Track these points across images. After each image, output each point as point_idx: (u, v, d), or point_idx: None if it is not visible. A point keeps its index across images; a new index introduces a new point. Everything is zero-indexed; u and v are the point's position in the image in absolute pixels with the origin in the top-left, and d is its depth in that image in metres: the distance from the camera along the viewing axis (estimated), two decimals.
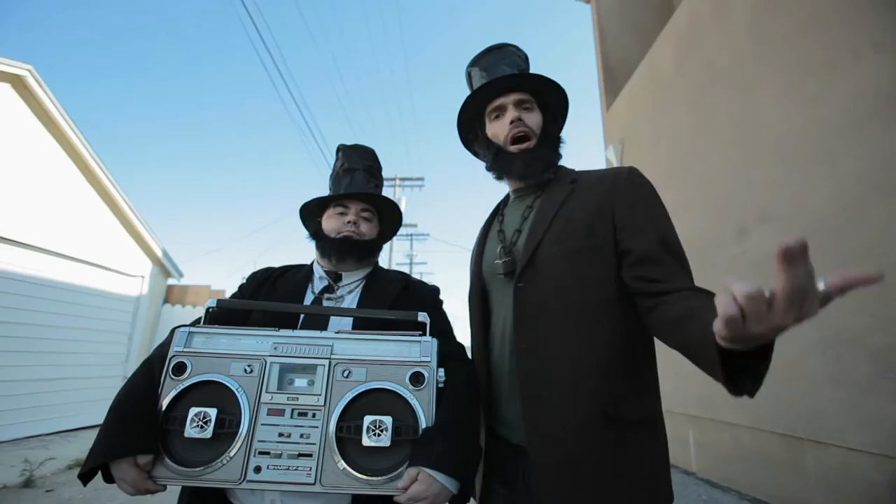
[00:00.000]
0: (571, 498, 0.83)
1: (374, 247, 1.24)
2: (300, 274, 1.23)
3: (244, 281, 1.25)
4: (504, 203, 1.22)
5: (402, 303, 1.15)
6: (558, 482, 0.84)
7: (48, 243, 5.50)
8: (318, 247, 1.23)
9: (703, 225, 4.06)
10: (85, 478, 0.81)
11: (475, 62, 1.18)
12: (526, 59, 1.17)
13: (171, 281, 8.54)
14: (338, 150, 1.34)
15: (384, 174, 1.38)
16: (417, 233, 22.52)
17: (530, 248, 0.98)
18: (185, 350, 0.91)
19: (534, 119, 1.09)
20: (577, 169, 1.13)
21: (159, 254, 7.69)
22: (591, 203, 0.98)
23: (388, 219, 1.33)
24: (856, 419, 2.55)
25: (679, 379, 3.22)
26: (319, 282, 1.20)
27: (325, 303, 1.14)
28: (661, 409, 0.94)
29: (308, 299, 1.15)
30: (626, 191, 0.96)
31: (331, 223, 1.21)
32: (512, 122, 1.06)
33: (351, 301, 1.16)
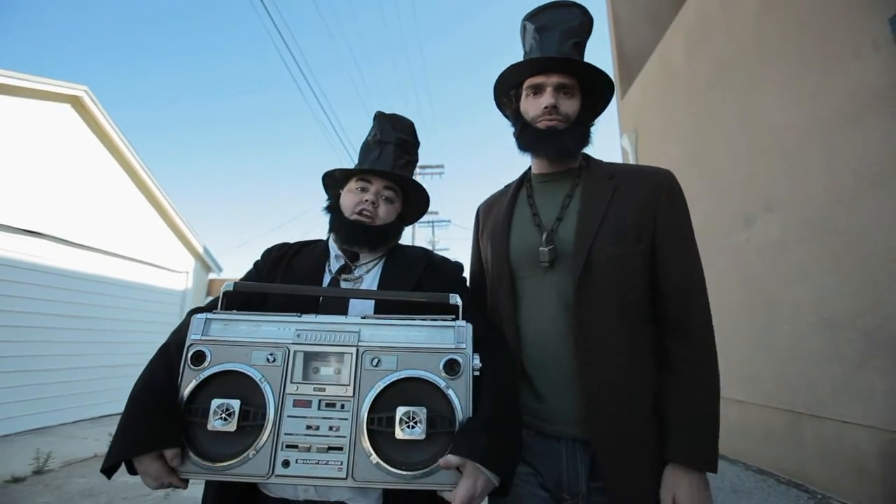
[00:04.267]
0: (633, 488, 0.90)
1: (389, 232, 1.14)
2: (317, 251, 1.16)
3: (259, 259, 1.18)
4: (526, 183, 1.18)
5: (425, 282, 1.08)
6: (620, 472, 0.90)
7: (104, 244, 6.12)
8: (330, 222, 1.16)
9: (711, 213, 4.22)
10: (109, 472, 0.79)
11: (532, 16, 1.12)
12: (589, 26, 1.11)
13: (211, 275, 9.18)
14: (374, 117, 1.25)
15: None
16: (439, 219, 22.83)
17: (585, 245, 0.97)
18: (204, 338, 0.87)
19: (571, 106, 1.05)
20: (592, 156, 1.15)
21: (201, 250, 8.30)
22: (637, 205, 1.00)
23: (413, 200, 1.24)
24: (848, 394, 2.75)
25: None
26: (336, 261, 1.13)
27: (343, 283, 1.08)
28: None
29: (326, 280, 1.09)
30: (668, 200, 1.01)
31: (349, 199, 1.12)
32: (546, 108, 1.03)
33: (370, 281, 1.09)
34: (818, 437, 2.99)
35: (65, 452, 4.14)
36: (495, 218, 1.18)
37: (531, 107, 1.07)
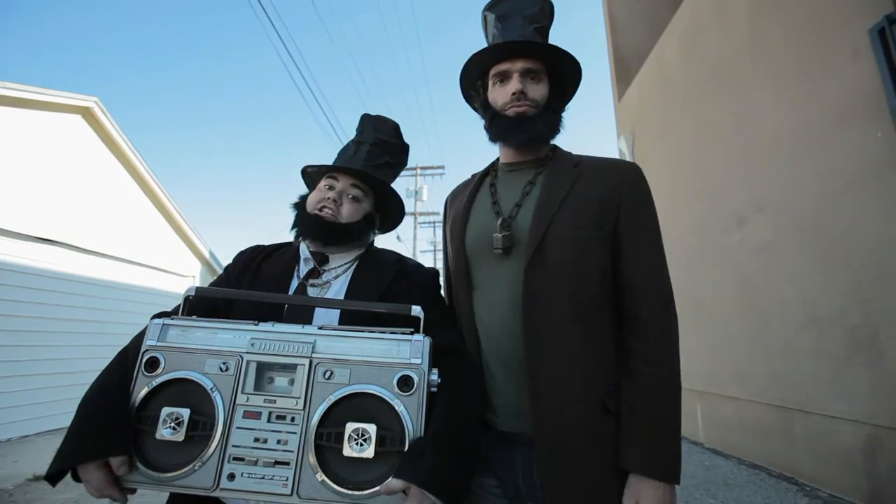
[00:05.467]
0: (575, 488, 0.84)
1: (352, 231, 1.09)
2: (288, 254, 1.12)
3: (231, 262, 1.14)
4: (491, 172, 1.14)
5: (396, 290, 1.04)
6: (562, 473, 0.85)
7: (115, 250, 6.30)
8: (294, 217, 1.12)
9: (706, 214, 4.33)
10: (53, 479, 0.76)
11: (492, 6, 1.10)
12: (549, 11, 1.08)
13: None
14: (360, 119, 1.24)
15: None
16: (440, 220, 22.87)
17: (540, 229, 0.93)
18: (159, 344, 0.84)
19: (539, 91, 1.01)
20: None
21: (206, 255, 8.47)
22: (599, 192, 0.96)
23: (388, 204, 1.20)
24: (835, 390, 2.86)
25: (687, 356, 3.55)
26: (305, 265, 1.09)
27: (310, 289, 1.04)
28: None
29: (293, 285, 1.05)
30: (632, 189, 0.97)
31: (314, 196, 1.10)
32: (513, 94, 0.99)
33: (338, 287, 1.05)
34: (807, 431, 3.09)
35: None
36: (456, 207, 1.14)
37: (499, 95, 1.03)
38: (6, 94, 4.75)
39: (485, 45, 1.10)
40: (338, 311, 0.99)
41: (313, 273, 1.07)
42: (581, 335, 0.90)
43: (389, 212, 1.23)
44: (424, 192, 17.23)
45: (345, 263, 1.10)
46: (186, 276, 8.12)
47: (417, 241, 18.01)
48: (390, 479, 0.75)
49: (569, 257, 0.92)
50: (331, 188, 1.09)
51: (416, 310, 0.91)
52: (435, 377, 0.83)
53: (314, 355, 0.83)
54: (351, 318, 0.96)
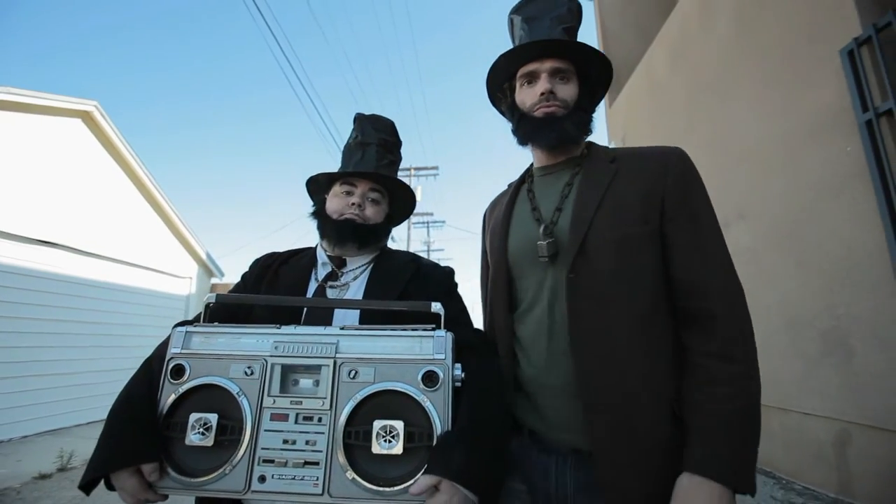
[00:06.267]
0: (644, 496, 0.79)
1: (379, 231, 1.14)
2: (304, 260, 1.15)
3: (247, 270, 1.16)
4: (527, 179, 1.12)
5: (412, 289, 1.06)
6: (627, 487, 0.79)
7: (114, 252, 6.36)
8: (318, 227, 1.14)
9: None
10: (87, 488, 0.78)
11: (518, 8, 1.08)
12: (578, 12, 1.06)
13: (213, 280, 9.41)
14: (354, 119, 1.24)
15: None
16: (434, 220, 23.10)
17: (580, 232, 0.89)
18: (184, 351, 0.86)
19: (568, 91, 0.99)
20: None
21: (203, 256, 8.53)
22: (641, 185, 0.91)
23: (400, 200, 1.23)
24: (809, 388, 3.03)
25: None
26: (322, 268, 1.12)
27: (329, 291, 1.07)
28: None
29: (311, 288, 1.08)
30: (676, 178, 0.90)
31: (335, 203, 1.12)
32: (542, 94, 0.97)
33: (356, 289, 1.07)
34: (784, 427, 3.26)
35: (85, 451, 4.38)
36: (496, 218, 1.13)
37: (527, 96, 1.01)
38: (8, 98, 4.82)
39: (510, 48, 1.08)
40: (357, 312, 1.01)
41: (332, 276, 1.10)
42: (634, 338, 0.85)
43: (401, 207, 1.26)
44: (419, 192, 17.37)
45: (362, 265, 1.12)
46: (183, 278, 8.19)
47: (411, 241, 18.16)
48: (420, 475, 0.75)
49: (614, 259, 0.88)
50: (349, 193, 1.12)
51: (437, 306, 0.90)
52: (459, 372, 0.84)
53: (338, 355, 0.84)
54: (370, 318, 0.99)
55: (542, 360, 0.92)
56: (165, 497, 0.81)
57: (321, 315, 1.01)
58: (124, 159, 6.48)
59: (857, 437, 2.67)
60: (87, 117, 5.81)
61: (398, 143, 1.24)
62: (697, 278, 0.86)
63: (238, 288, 1.14)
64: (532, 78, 1.01)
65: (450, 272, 1.16)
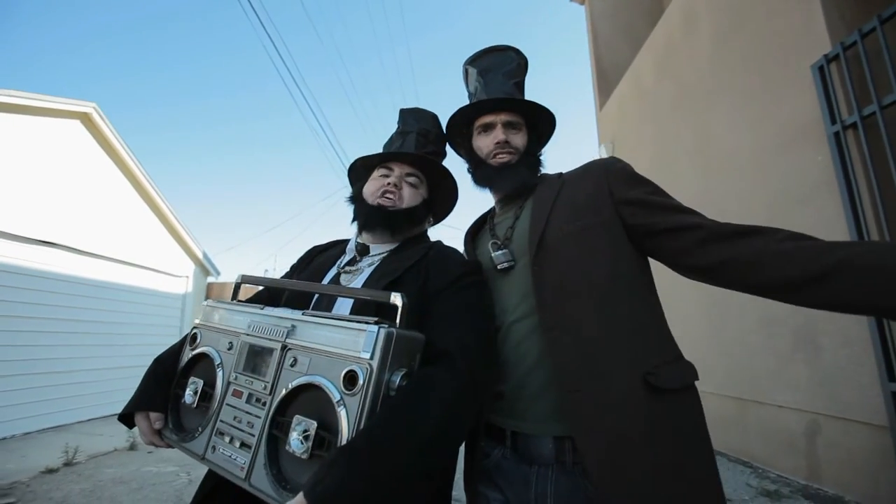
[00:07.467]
0: (629, 475, 0.79)
1: (413, 216, 1.10)
2: (340, 248, 1.17)
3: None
4: (491, 215, 1.23)
5: (408, 276, 0.96)
6: (614, 462, 0.80)
7: (112, 252, 6.42)
8: (353, 211, 1.15)
9: None
10: (124, 419, 0.94)
11: (473, 60, 1.20)
12: (525, 66, 1.19)
13: (209, 279, 9.47)
14: (399, 113, 1.29)
15: None
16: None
17: (537, 231, 0.97)
18: (201, 322, 0.97)
19: (519, 140, 1.11)
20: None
21: (200, 256, 8.60)
22: (587, 187, 1.01)
23: (442, 190, 1.22)
24: (782, 382, 3.22)
25: None
26: (348, 255, 1.12)
27: (343, 278, 1.04)
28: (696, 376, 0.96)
29: (330, 275, 1.08)
30: (616, 173, 1.01)
31: (371, 185, 1.13)
32: (497, 143, 1.09)
33: (366, 274, 1.03)
34: (759, 419, 3.46)
35: (88, 447, 4.48)
36: (466, 249, 1.22)
37: (483, 143, 1.12)
38: (8, 101, 4.87)
39: (465, 92, 1.24)
40: (351, 301, 0.95)
41: (352, 262, 1.08)
42: (609, 321, 0.88)
43: (445, 194, 1.24)
44: None
45: (382, 252, 1.08)
46: (180, 277, 8.25)
47: None
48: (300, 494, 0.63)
49: (574, 249, 0.94)
50: (386, 176, 1.13)
51: (396, 296, 0.79)
52: (397, 379, 0.72)
53: (287, 340, 0.80)
54: (362, 308, 0.92)
55: (511, 358, 0.95)
56: (170, 446, 0.91)
57: (325, 302, 0.99)
58: (122, 160, 6.54)
59: (826, 427, 2.87)
60: (85, 118, 5.87)
61: (441, 136, 1.24)
62: (681, 225, 0.92)
63: (285, 275, 1.21)
64: (488, 128, 1.12)
65: (464, 262, 1.04)
